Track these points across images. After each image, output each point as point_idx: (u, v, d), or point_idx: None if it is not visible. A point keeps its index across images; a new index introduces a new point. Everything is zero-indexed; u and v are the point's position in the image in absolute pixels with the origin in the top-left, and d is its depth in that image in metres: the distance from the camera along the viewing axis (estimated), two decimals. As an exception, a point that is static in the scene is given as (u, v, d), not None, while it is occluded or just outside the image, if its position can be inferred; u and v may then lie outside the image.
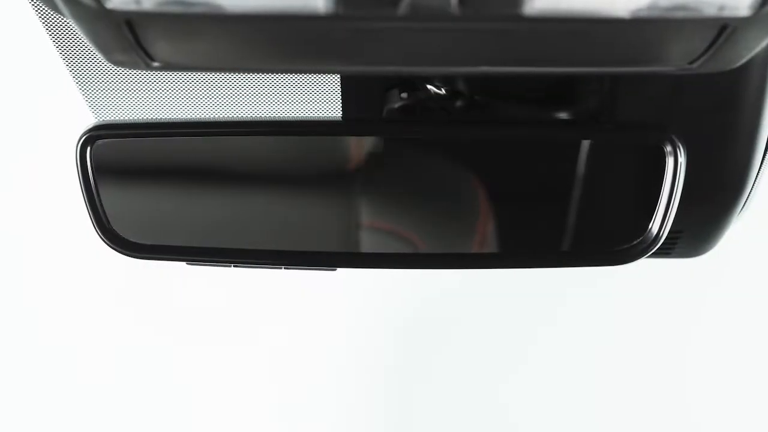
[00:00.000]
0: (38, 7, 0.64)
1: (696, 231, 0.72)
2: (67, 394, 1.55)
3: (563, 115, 0.68)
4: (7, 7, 1.17)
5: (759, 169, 0.68)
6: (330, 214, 0.62)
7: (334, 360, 1.56)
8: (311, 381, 1.57)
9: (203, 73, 0.69)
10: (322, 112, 0.73)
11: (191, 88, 0.71)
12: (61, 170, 1.33)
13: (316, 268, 0.63)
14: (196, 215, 0.63)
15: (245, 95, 0.72)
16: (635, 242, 0.60)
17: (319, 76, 0.69)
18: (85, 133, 0.59)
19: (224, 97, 0.72)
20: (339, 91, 0.70)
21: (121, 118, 0.74)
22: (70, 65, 0.70)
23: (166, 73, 0.69)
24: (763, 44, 0.36)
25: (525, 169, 0.62)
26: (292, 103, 0.72)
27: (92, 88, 0.72)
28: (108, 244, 0.61)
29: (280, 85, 0.71)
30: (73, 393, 1.55)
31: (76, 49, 0.68)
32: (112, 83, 0.71)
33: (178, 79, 0.70)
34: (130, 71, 0.69)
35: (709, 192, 0.69)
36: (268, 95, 0.72)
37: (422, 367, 1.56)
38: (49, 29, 0.66)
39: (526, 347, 1.55)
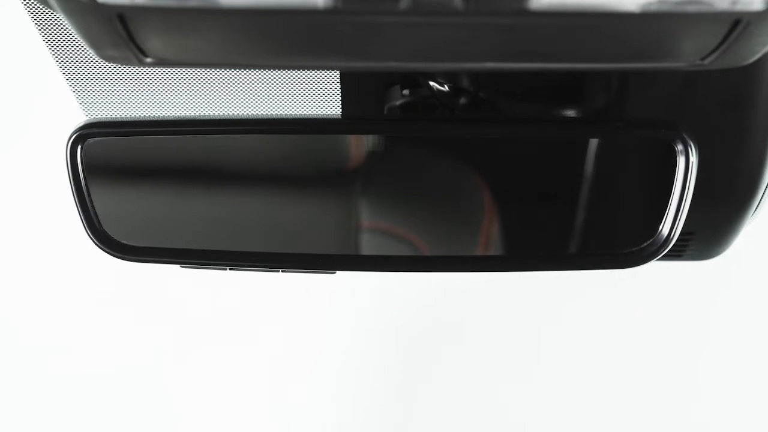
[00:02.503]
0: (27, 1, 0.64)
1: (708, 233, 0.72)
2: (58, 395, 1.55)
3: (570, 113, 0.68)
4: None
5: (773, 169, 0.68)
6: (329, 215, 0.62)
7: (334, 362, 1.56)
8: (310, 385, 1.57)
9: (198, 70, 0.69)
10: (321, 110, 0.73)
11: (185, 85, 0.71)
12: (50, 170, 1.33)
13: (315, 271, 0.63)
14: (190, 216, 0.63)
15: (241, 92, 0.72)
16: (645, 244, 0.60)
17: (318, 72, 0.69)
18: (75, 132, 0.59)
19: (219, 94, 0.72)
20: (338, 88, 0.70)
21: (113, 115, 0.74)
22: (60, 61, 0.70)
23: (159, 70, 0.69)
24: (777, 40, 0.36)
25: (531, 168, 0.62)
26: (290, 100, 0.72)
27: (83, 85, 0.72)
28: (99, 246, 0.61)
29: (277, 82, 0.71)
30: (65, 394, 1.55)
31: (66, 44, 0.68)
32: (104, 80, 0.71)
33: (172, 76, 0.70)
34: (122, 67, 0.69)
35: (722, 192, 0.69)
36: (265, 92, 0.72)
37: (424, 370, 1.57)
38: (39, 24, 0.66)
39: (526, 349, 1.55)
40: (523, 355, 1.56)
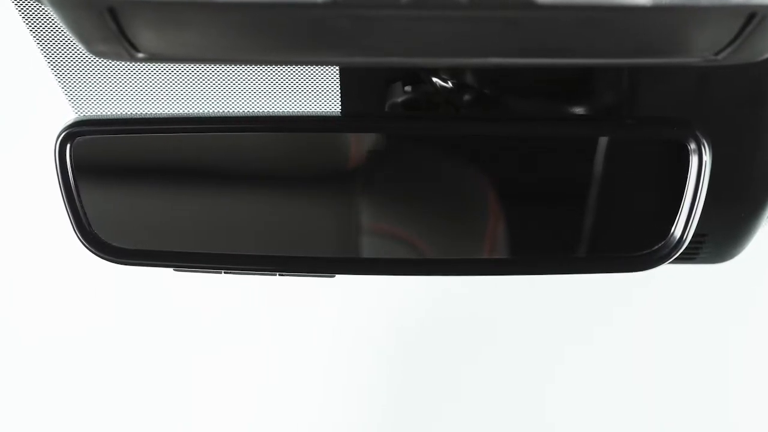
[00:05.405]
0: (15, -6, 0.64)
1: (722, 235, 0.72)
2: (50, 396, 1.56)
3: (579, 110, 0.68)
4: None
5: (790, 169, 0.68)
6: (328, 216, 0.62)
7: (337, 366, 1.57)
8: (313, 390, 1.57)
9: (192, 65, 0.69)
10: (320, 107, 0.73)
11: (179, 81, 0.71)
12: (40, 169, 1.33)
13: (314, 275, 0.63)
14: (184, 218, 0.63)
15: (236, 89, 0.72)
16: (657, 247, 0.60)
17: (317, 68, 0.69)
18: (64, 130, 0.59)
19: (214, 90, 0.72)
20: (338, 85, 0.70)
21: (104, 113, 0.74)
22: (48, 57, 0.70)
23: (152, 65, 0.69)
24: (794, 34, 0.36)
25: (538, 168, 0.62)
26: (287, 97, 0.72)
27: (72, 82, 0.72)
28: (89, 249, 0.61)
29: (274, 78, 0.71)
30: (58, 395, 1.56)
31: (55, 39, 0.68)
32: (94, 76, 0.71)
33: (166, 72, 0.70)
34: (113, 63, 0.69)
35: (736, 193, 0.69)
36: (262, 89, 0.72)
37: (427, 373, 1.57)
38: (27, 19, 0.66)
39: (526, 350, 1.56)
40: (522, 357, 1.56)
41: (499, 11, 0.34)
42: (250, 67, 0.70)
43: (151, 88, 0.72)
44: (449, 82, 0.67)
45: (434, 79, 0.67)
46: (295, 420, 1.58)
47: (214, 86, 0.72)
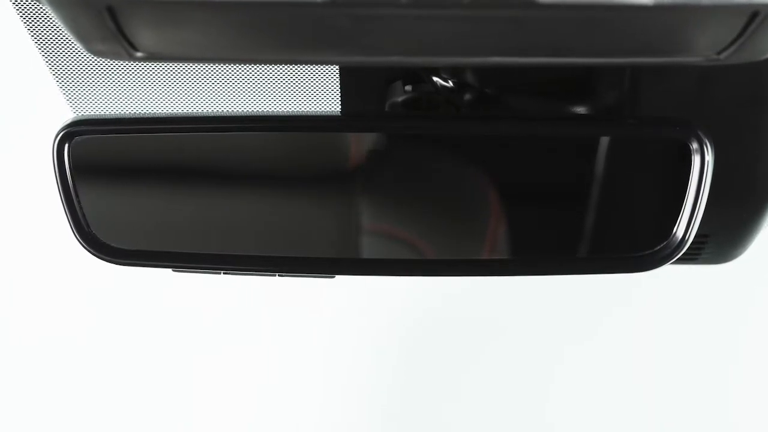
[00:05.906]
0: (13, -8, 0.64)
1: (724, 235, 0.72)
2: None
3: (581, 110, 0.68)
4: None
5: (792, 168, 0.68)
6: (328, 216, 0.62)
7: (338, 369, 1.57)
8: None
9: (191, 65, 0.69)
10: (320, 107, 0.73)
11: (178, 81, 0.71)
12: (37, 169, 1.33)
13: (313, 276, 0.63)
14: (183, 218, 0.63)
15: (236, 88, 0.72)
16: (658, 247, 0.60)
17: (317, 67, 0.69)
18: (62, 129, 0.59)
19: (213, 90, 0.72)
20: (338, 84, 0.70)
21: (102, 112, 0.74)
22: (46, 55, 0.70)
23: (150, 65, 0.69)
24: (796, 33, 0.36)
25: (539, 168, 0.62)
26: (287, 96, 0.72)
27: (71, 81, 0.72)
28: (87, 249, 0.61)
29: (274, 78, 0.71)
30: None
31: (53, 37, 0.68)
32: (93, 75, 0.71)
33: (164, 71, 0.70)
34: (111, 62, 0.69)
35: (738, 193, 0.69)
36: (262, 88, 0.72)
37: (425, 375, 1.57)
38: (24, 16, 0.66)
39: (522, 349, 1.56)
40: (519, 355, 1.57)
41: (499, 10, 0.34)
42: (250, 67, 0.70)
43: (150, 88, 0.72)
44: (450, 82, 0.67)
45: (435, 79, 0.67)
46: (294, 420, 1.58)
47: (213, 86, 0.72)
